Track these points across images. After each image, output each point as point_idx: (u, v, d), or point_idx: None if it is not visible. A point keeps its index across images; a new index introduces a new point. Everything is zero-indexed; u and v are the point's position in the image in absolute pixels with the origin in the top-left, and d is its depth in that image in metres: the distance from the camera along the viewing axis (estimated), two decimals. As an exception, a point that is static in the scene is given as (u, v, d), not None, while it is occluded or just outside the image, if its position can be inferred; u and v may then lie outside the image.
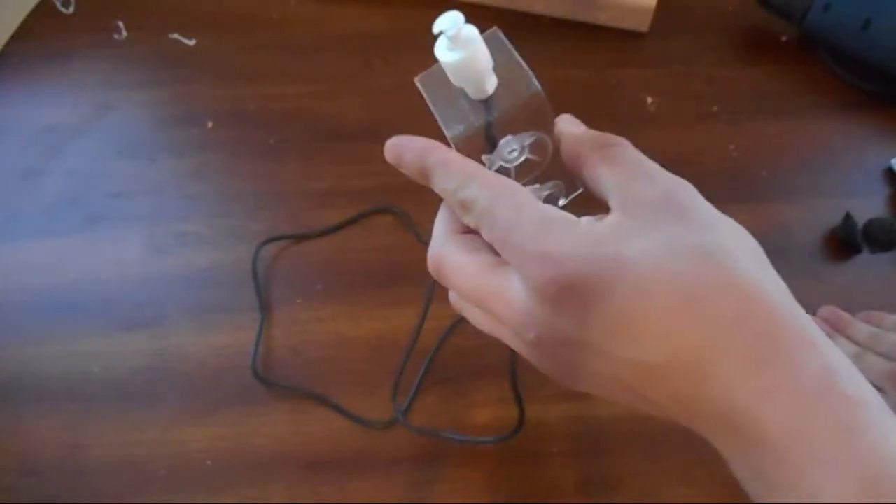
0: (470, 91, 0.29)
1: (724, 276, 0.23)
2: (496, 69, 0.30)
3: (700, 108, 0.63)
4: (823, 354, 0.23)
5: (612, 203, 0.26)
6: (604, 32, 0.68)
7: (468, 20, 0.27)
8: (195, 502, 0.45)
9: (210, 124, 0.62)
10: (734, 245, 0.25)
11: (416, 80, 0.29)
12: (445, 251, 0.28)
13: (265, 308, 0.52)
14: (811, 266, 0.54)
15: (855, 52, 0.63)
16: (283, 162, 0.59)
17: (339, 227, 0.56)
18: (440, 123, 0.29)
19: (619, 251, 0.24)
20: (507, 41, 0.29)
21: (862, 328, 0.49)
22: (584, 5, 0.67)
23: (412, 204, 0.56)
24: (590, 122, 0.65)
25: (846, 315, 0.50)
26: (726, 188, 0.58)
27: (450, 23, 0.26)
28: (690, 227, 0.25)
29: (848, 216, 0.55)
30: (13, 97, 0.64)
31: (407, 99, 0.63)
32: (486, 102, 0.29)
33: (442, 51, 0.27)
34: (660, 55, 0.67)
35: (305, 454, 0.47)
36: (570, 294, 0.24)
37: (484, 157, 0.30)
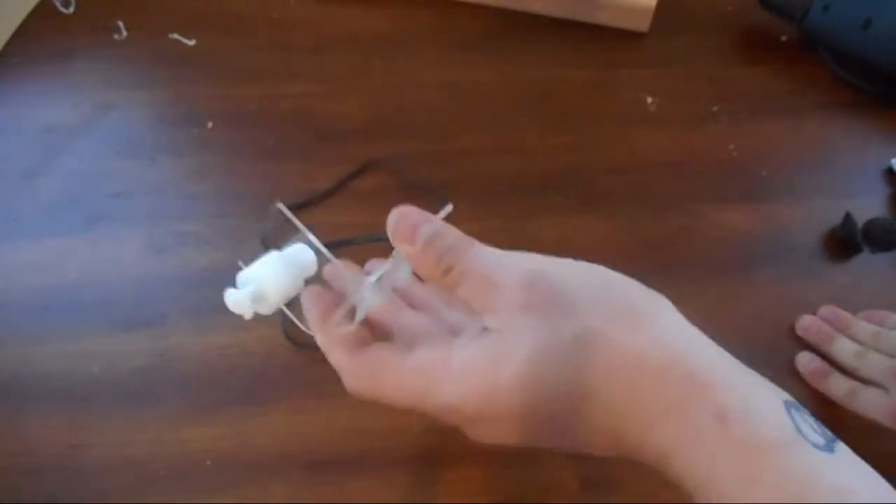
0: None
1: (599, 357, 0.25)
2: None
3: (700, 108, 0.63)
4: (713, 398, 0.24)
5: (482, 318, 0.27)
6: (604, 32, 0.68)
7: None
8: (195, 502, 0.45)
9: (210, 124, 0.62)
10: (599, 317, 0.25)
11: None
12: (373, 365, 0.29)
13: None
14: (811, 266, 0.54)
15: (855, 52, 0.63)
16: (283, 162, 0.59)
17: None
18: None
19: (498, 376, 0.25)
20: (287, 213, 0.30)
21: (864, 327, 0.49)
22: (584, 5, 0.67)
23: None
24: (590, 121, 0.65)
25: (847, 314, 0.50)
26: (726, 188, 0.58)
27: (240, 307, 0.29)
28: (554, 320, 0.25)
29: (848, 216, 0.55)
30: (13, 97, 0.64)
31: (407, 99, 0.63)
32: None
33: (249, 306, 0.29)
34: (660, 55, 0.67)
35: (305, 454, 0.47)
36: (480, 424, 0.26)
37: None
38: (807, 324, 0.50)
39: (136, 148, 0.61)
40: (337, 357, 0.30)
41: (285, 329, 0.51)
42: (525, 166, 0.59)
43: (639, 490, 0.45)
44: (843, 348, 0.48)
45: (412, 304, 0.34)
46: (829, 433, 0.24)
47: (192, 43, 0.67)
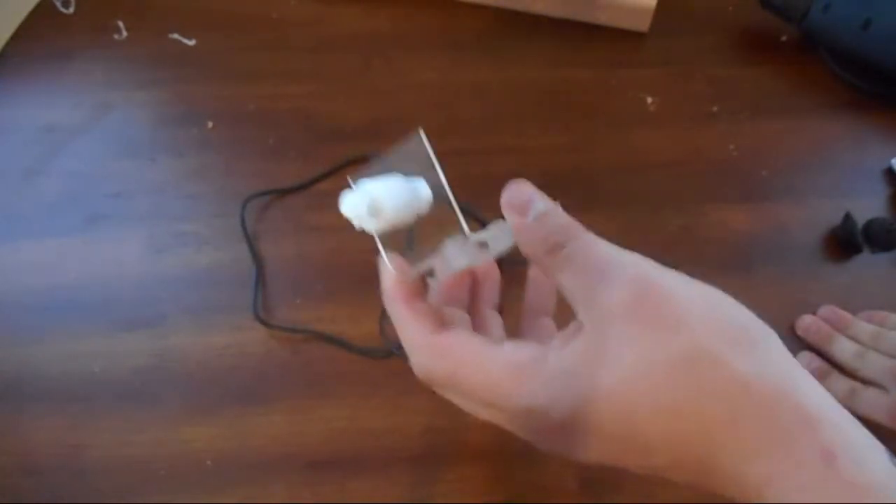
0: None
1: (705, 378, 0.23)
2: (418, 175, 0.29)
3: (700, 108, 0.63)
4: (822, 436, 0.22)
5: (579, 315, 0.26)
6: (604, 32, 0.68)
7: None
8: (195, 502, 0.45)
9: (210, 124, 0.62)
10: (710, 337, 0.24)
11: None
12: (455, 348, 0.27)
13: (264, 306, 0.52)
14: (811, 266, 0.54)
15: (855, 52, 0.63)
16: (283, 162, 0.59)
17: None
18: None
19: (594, 383, 0.24)
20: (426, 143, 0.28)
21: (864, 327, 0.49)
22: (584, 5, 0.67)
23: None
24: (590, 122, 0.65)
25: (847, 314, 0.50)
26: (726, 188, 0.58)
27: (354, 211, 0.27)
28: (661, 334, 0.24)
29: (848, 216, 0.55)
30: (13, 97, 0.64)
31: (407, 99, 0.63)
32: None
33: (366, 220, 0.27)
34: (660, 55, 0.67)
35: (305, 454, 0.47)
36: (564, 433, 0.24)
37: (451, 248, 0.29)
38: (807, 324, 0.50)
39: (136, 148, 0.61)
40: (415, 332, 0.27)
41: (255, 311, 0.51)
42: (525, 166, 0.59)
43: (639, 490, 0.45)
44: (843, 348, 0.48)
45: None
46: None
47: (192, 43, 0.67)
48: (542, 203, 0.27)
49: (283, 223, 0.56)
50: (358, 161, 0.59)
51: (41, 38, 0.67)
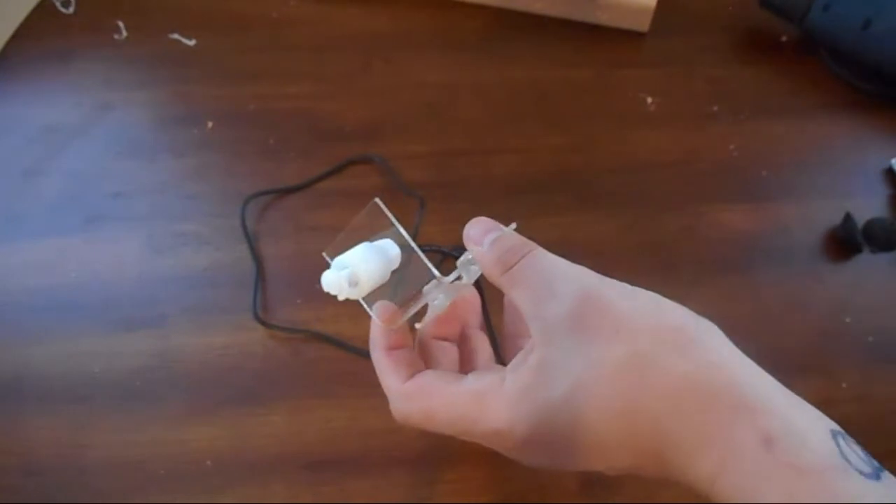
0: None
1: (647, 380, 0.25)
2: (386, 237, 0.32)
3: (700, 108, 0.63)
4: (760, 422, 0.24)
5: (530, 329, 0.28)
6: (604, 32, 0.68)
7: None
8: (195, 502, 0.45)
9: (210, 124, 0.62)
10: (648, 340, 0.26)
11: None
12: (425, 390, 0.29)
13: (265, 306, 0.52)
14: (811, 266, 0.54)
15: (855, 52, 0.63)
16: (283, 162, 0.59)
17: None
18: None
19: (548, 396, 0.26)
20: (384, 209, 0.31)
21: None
22: (584, 5, 0.67)
23: (417, 199, 0.56)
24: (590, 122, 0.65)
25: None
26: (726, 188, 0.58)
27: (336, 287, 0.31)
28: (604, 341, 0.26)
29: (848, 216, 0.55)
30: (13, 97, 0.64)
31: (407, 99, 0.63)
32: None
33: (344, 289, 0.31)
34: (660, 55, 0.67)
35: (305, 454, 0.47)
36: (534, 448, 0.27)
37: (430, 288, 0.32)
38: None
39: (136, 148, 0.61)
40: (391, 381, 0.31)
41: (255, 312, 0.51)
42: (525, 166, 0.59)
43: (638, 490, 0.45)
44: None
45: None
46: (875, 462, 0.24)
47: (192, 43, 0.67)
48: (495, 232, 0.30)
49: (283, 223, 0.56)
50: (358, 162, 0.59)
51: (41, 38, 0.67)
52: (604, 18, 0.67)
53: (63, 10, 0.69)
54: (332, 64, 0.66)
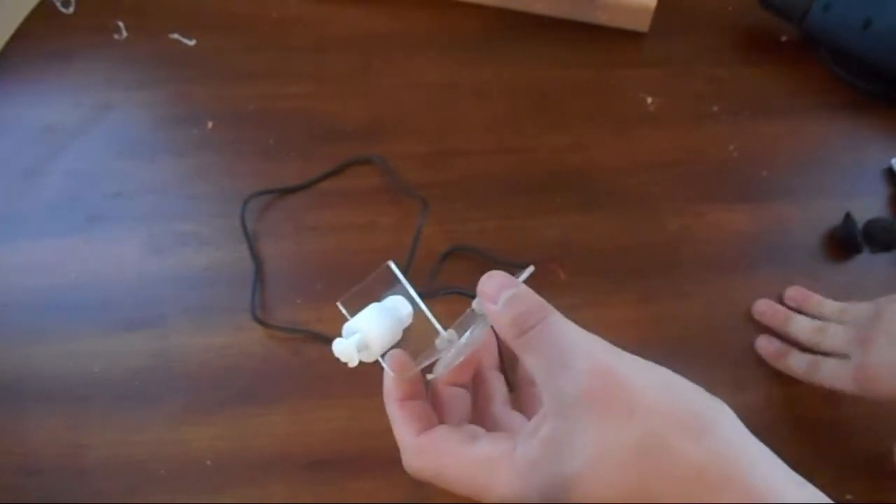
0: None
1: (658, 465, 0.25)
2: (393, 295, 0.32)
3: (700, 108, 0.63)
4: None
5: (543, 399, 0.27)
6: (604, 32, 0.68)
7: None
8: (195, 502, 0.45)
9: (210, 124, 0.62)
10: (662, 423, 0.26)
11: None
12: (436, 448, 0.29)
13: (265, 306, 0.52)
14: (811, 266, 0.54)
15: (855, 52, 0.63)
16: (283, 162, 0.59)
17: (322, 175, 0.55)
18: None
19: (559, 471, 0.26)
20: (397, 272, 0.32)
21: (829, 304, 0.50)
22: (584, 5, 0.67)
23: (418, 200, 0.57)
24: (590, 121, 0.65)
25: (814, 295, 0.51)
26: (726, 188, 0.58)
27: (346, 354, 0.30)
28: (617, 421, 0.26)
29: (848, 216, 0.55)
30: (13, 97, 0.64)
31: (407, 99, 0.63)
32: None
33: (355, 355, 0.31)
34: (660, 55, 0.67)
35: (305, 454, 0.47)
36: None
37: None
38: (762, 308, 0.51)
39: (136, 148, 0.61)
40: (403, 433, 0.30)
41: (253, 312, 0.51)
42: (525, 166, 0.59)
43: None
44: (801, 326, 0.49)
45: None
46: None
47: (192, 43, 0.67)
48: (511, 290, 0.29)
49: (283, 223, 0.56)
50: (358, 162, 0.59)
51: (41, 38, 0.67)
52: (604, 18, 0.67)
53: (63, 10, 0.69)
54: (332, 64, 0.66)
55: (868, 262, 0.54)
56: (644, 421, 0.25)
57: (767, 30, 0.68)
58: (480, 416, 0.34)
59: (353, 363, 0.30)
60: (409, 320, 0.32)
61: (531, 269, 0.31)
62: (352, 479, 0.46)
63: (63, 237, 0.56)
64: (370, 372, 0.49)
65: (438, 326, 0.30)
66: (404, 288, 0.31)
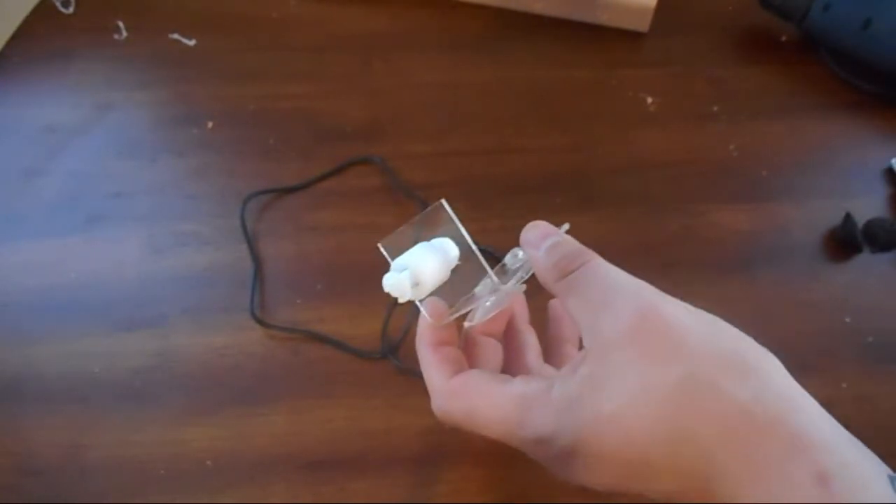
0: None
1: (703, 405, 0.24)
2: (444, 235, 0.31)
3: (700, 108, 0.63)
4: (816, 458, 0.23)
5: (584, 340, 0.27)
6: (604, 32, 0.68)
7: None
8: (195, 502, 0.45)
9: (210, 124, 0.62)
10: (707, 364, 0.25)
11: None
12: (470, 389, 0.29)
13: (265, 306, 0.52)
14: (811, 266, 0.54)
15: (855, 52, 0.63)
16: (283, 162, 0.59)
17: (323, 172, 0.55)
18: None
19: (598, 410, 0.25)
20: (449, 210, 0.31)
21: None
22: (584, 5, 0.67)
23: (418, 200, 0.57)
24: (590, 121, 0.65)
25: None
26: (726, 188, 0.58)
27: (398, 288, 0.29)
28: (660, 361, 0.25)
29: (848, 216, 0.55)
30: (13, 97, 0.64)
31: (407, 99, 0.63)
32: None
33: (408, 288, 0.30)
34: (660, 55, 0.67)
35: (305, 454, 0.47)
36: (572, 460, 0.26)
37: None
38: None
39: (136, 148, 0.61)
40: (434, 377, 0.30)
41: (252, 312, 0.51)
42: (525, 166, 0.59)
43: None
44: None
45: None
46: None
47: (192, 43, 0.67)
48: (554, 237, 0.29)
49: (283, 223, 0.56)
50: (358, 162, 0.59)
51: (41, 38, 0.67)
52: (604, 18, 0.67)
53: (63, 10, 0.69)
54: (332, 64, 0.66)
55: (868, 262, 0.54)
56: (688, 360, 0.24)
57: (767, 30, 0.68)
58: (513, 368, 0.33)
59: (403, 298, 0.29)
60: (455, 262, 0.31)
61: (567, 226, 0.31)
62: (352, 479, 0.46)
63: (63, 237, 0.56)
64: (370, 373, 0.49)
65: (488, 268, 0.29)
66: (452, 230, 0.30)
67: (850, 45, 0.63)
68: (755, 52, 0.67)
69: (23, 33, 0.68)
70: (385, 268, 0.30)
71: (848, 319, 0.52)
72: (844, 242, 0.55)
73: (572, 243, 0.29)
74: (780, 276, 0.54)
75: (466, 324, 0.31)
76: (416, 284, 0.29)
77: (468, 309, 0.31)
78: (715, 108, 0.63)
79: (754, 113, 0.63)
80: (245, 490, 0.45)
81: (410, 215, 0.55)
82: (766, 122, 0.62)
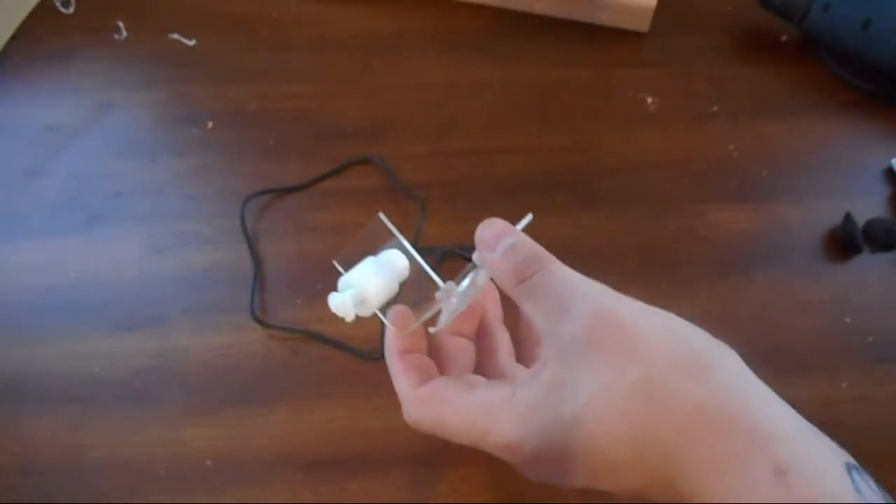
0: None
1: (660, 404, 0.24)
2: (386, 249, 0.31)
3: (700, 108, 0.63)
4: (773, 452, 0.23)
5: (544, 345, 0.27)
6: (604, 32, 0.68)
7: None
8: (195, 502, 0.45)
9: (210, 124, 0.62)
10: (664, 364, 0.25)
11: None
12: (436, 398, 0.29)
13: (265, 306, 0.52)
14: (811, 266, 0.54)
15: (855, 52, 0.63)
16: (283, 162, 0.59)
17: (322, 172, 0.55)
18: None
19: (559, 413, 0.25)
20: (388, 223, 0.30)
21: None
22: (584, 5, 0.67)
23: (418, 200, 0.57)
24: (590, 121, 0.65)
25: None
26: (726, 188, 0.58)
27: (343, 308, 0.29)
28: (618, 363, 0.25)
29: (848, 216, 0.55)
30: (13, 97, 0.64)
31: (407, 99, 0.63)
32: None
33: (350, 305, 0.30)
34: (660, 55, 0.67)
35: (305, 454, 0.47)
36: (541, 463, 0.26)
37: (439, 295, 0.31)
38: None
39: (136, 148, 0.61)
40: (403, 385, 0.30)
41: (252, 312, 0.51)
42: (525, 166, 0.59)
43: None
44: None
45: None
46: (889, 496, 0.24)
47: (192, 43, 0.67)
48: (510, 238, 0.29)
49: (283, 223, 0.56)
50: (358, 162, 0.59)
51: (41, 38, 0.67)
52: (604, 18, 0.67)
53: (63, 10, 0.69)
54: (332, 64, 0.66)
55: (868, 262, 0.54)
56: (646, 361, 0.25)
57: (767, 30, 0.68)
58: (485, 368, 0.33)
59: (349, 318, 0.29)
60: (405, 273, 0.31)
61: (530, 216, 0.30)
62: (352, 479, 0.46)
63: (63, 237, 0.56)
64: (370, 373, 0.49)
65: (436, 278, 0.29)
66: (399, 241, 0.30)
67: (850, 45, 0.63)
68: (755, 52, 0.67)
69: (23, 33, 0.68)
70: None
71: (848, 319, 0.52)
72: (844, 242, 0.55)
73: (529, 246, 0.29)
74: (780, 276, 0.54)
75: (431, 329, 0.31)
76: (361, 302, 0.29)
77: (431, 313, 0.31)
78: (715, 108, 0.63)
79: (754, 113, 0.63)
80: (245, 490, 0.45)
81: (411, 215, 0.55)
82: (766, 122, 0.62)
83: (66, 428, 0.47)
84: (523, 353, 0.34)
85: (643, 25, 0.67)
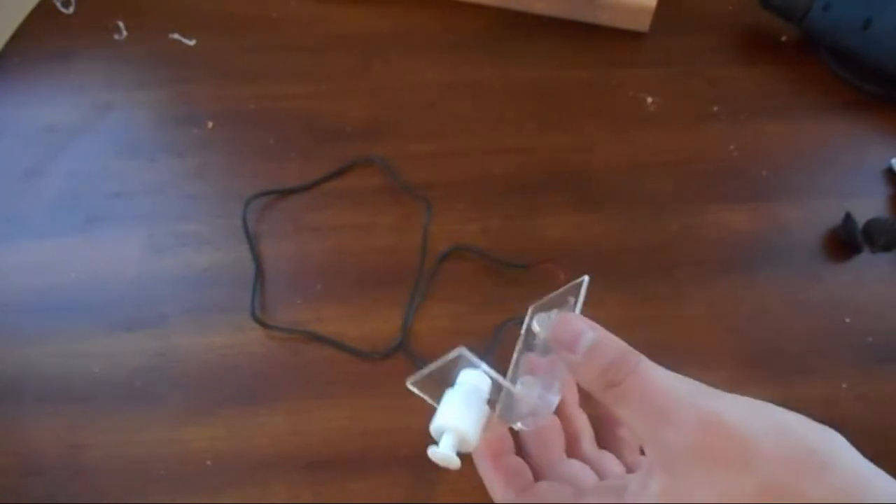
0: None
1: None
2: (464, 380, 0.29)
3: (700, 108, 0.63)
4: None
5: (647, 453, 0.26)
6: (604, 32, 0.68)
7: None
8: (195, 502, 0.45)
9: (210, 124, 0.62)
10: (780, 468, 0.24)
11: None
12: None
13: (265, 306, 0.52)
14: (811, 266, 0.54)
15: (855, 52, 0.63)
16: (283, 162, 0.59)
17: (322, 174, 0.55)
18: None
19: None
20: (471, 356, 0.28)
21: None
22: (584, 5, 0.67)
23: (420, 200, 0.57)
24: (590, 122, 0.65)
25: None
26: (726, 188, 0.58)
27: (448, 460, 0.28)
28: (734, 473, 0.24)
29: (848, 216, 0.55)
30: (13, 97, 0.64)
31: (407, 99, 0.63)
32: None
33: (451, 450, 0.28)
34: (660, 55, 0.67)
35: (305, 454, 0.47)
36: None
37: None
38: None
39: (136, 148, 0.61)
40: (502, 493, 0.29)
41: (253, 312, 0.51)
42: (525, 166, 0.59)
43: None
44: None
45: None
46: None
47: (192, 43, 0.67)
48: (590, 334, 0.27)
49: (283, 223, 0.56)
50: (359, 163, 0.59)
51: (41, 38, 0.67)
52: (604, 18, 0.67)
53: (63, 10, 0.69)
54: (332, 64, 0.66)
55: (868, 262, 0.54)
56: (762, 468, 0.24)
57: (767, 30, 0.68)
58: (569, 454, 0.33)
59: (455, 466, 0.28)
60: (487, 389, 0.29)
61: (586, 279, 0.29)
62: (352, 479, 0.46)
63: (63, 237, 0.56)
64: (371, 373, 0.49)
65: (529, 398, 0.28)
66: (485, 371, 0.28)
67: (850, 45, 0.63)
68: (755, 52, 0.67)
69: (23, 33, 0.68)
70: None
71: (848, 319, 0.52)
72: (844, 242, 0.55)
73: (613, 344, 0.27)
74: (780, 276, 0.54)
75: (517, 427, 0.30)
76: (461, 443, 0.28)
77: (516, 413, 0.29)
78: (715, 108, 0.63)
79: (754, 113, 0.63)
80: (245, 490, 0.45)
81: (412, 215, 0.56)
82: (766, 122, 0.62)
83: (66, 428, 0.47)
84: (606, 435, 0.34)
85: (643, 25, 0.67)
